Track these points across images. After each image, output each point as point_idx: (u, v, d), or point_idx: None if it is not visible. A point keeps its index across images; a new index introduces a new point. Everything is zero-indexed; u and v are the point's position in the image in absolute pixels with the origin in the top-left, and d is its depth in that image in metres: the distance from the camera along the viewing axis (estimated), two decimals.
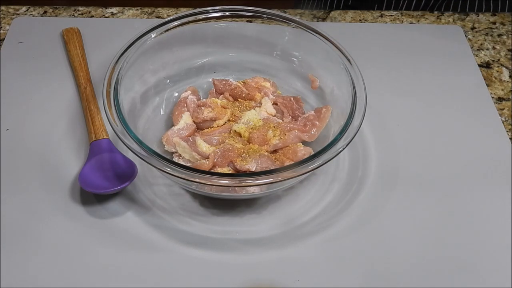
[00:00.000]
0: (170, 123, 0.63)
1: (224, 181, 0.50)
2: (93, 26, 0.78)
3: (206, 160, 0.56)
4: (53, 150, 0.62)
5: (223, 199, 0.58)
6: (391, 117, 0.68)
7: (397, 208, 0.59)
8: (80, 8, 0.82)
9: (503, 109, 0.70)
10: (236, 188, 0.54)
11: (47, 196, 0.58)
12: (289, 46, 0.67)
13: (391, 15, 0.84)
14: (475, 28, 0.82)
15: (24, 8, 0.82)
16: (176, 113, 0.62)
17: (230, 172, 0.56)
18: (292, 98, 0.64)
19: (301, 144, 0.60)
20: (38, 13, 0.81)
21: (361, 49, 0.74)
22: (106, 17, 0.81)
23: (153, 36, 0.62)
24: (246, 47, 0.68)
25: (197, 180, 0.50)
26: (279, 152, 0.59)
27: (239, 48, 0.68)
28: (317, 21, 0.82)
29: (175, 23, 0.64)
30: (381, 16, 0.83)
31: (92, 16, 0.81)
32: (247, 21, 0.66)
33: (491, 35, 0.81)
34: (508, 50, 0.79)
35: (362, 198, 0.59)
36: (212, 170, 0.56)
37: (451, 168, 0.63)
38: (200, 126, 0.62)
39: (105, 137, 0.61)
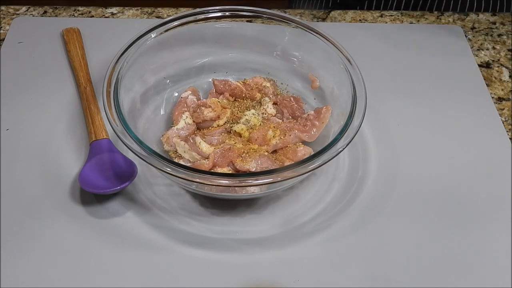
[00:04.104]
0: (170, 123, 0.63)
1: (224, 181, 0.50)
2: (93, 26, 0.78)
3: (206, 160, 0.56)
4: (53, 150, 0.62)
5: (223, 199, 0.58)
6: (391, 117, 0.68)
7: (396, 208, 0.59)
8: (80, 8, 0.82)
9: (503, 109, 0.70)
10: (236, 188, 0.54)
11: (47, 196, 0.58)
12: (289, 46, 0.67)
13: (391, 15, 0.84)
14: (475, 28, 0.82)
15: (24, 8, 0.82)
16: (176, 113, 0.62)
17: (230, 172, 0.56)
18: (292, 98, 0.64)
19: (301, 144, 0.60)
20: (38, 13, 0.81)
21: (361, 49, 0.74)
22: (106, 17, 0.81)
23: (153, 36, 0.62)
24: (246, 47, 0.68)
25: (197, 180, 0.50)
26: (279, 152, 0.59)
27: (239, 48, 0.68)
28: (317, 21, 0.82)
29: (175, 23, 0.64)
30: (381, 16, 0.83)
31: (92, 16, 0.81)
32: (247, 21, 0.66)
33: (491, 35, 0.81)
34: (508, 50, 0.79)
35: (362, 198, 0.59)
36: (212, 170, 0.56)
37: (451, 168, 0.63)
38: (200, 126, 0.62)
39: (105, 137, 0.61)
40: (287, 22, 0.64)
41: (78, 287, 0.52)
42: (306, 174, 0.52)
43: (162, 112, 0.65)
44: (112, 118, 0.54)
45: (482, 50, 0.78)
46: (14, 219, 0.56)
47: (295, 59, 0.67)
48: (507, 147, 0.65)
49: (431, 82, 0.73)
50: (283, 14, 0.65)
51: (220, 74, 0.69)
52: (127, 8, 0.83)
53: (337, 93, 0.62)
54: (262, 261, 0.54)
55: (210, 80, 0.67)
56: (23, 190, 0.59)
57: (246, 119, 0.61)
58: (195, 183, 0.52)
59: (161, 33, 0.63)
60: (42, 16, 0.81)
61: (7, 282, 0.52)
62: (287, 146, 0.59)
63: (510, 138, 0.66)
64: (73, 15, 0.81)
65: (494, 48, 0.79)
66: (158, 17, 0.82)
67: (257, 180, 0.50)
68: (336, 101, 0.61)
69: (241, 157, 0.57)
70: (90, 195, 0.58)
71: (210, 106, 0.62)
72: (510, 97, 0.72)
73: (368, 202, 0.59)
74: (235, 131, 0.60)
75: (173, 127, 0.61)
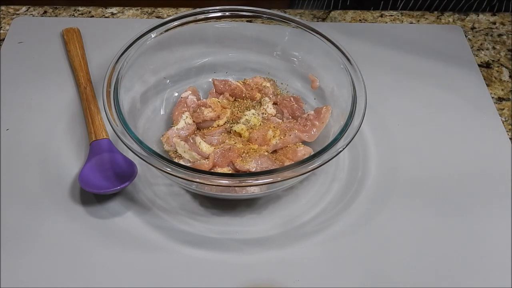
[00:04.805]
0: (170, 123, 0.63)
1: (224, 181, 0.50)
2: (93, 26, 0.78)
3: (206, 160, 0.56)
4: (53, 150, 0.62)
5: (223, 199, 0.58)
6: (391, 117, 0.68)
7: (396, 208, 0.59)
8: (80, 8, 0.82)
9: (503, 109, 0.70)
10: (236, 188, 0.54)
11: (47, 196, 0.58)
12: (289, 46, 0.67)
13: (391, 15, 0.84)
14: (475, 28, 0.82)
15: (24, 8, 0.82)
16: (176, 113, 0.62)
17: (230, 172, 0.56)
18: (292, 98, 0.64)
19: (301, 144, 0.60)
20: (38, 13, 0.81)
21: (361, 49, 0.74)
22: (106, 17, 0.81)
23: (153, 36, 0.62)
24: (246, 47, 0.68)
25: (197, 180, 0.50)
26: (279, 152, 0.59)
27: (239, 48, 0.68)
28: (317, 21, 0.82)
29: (175, 23, 0.64)
30: (381, 16, 0.83)
31: (92, 16, 0.81)
32: (247, 21, 0.66)
33: (491, 35, 0.81)
34: (508, 50, 0.79)
35: (362, 198, 0.59)
36: (212, 170, 0.56)
37: (451, 168, 0.63)
38: (200, 126, 0.62)
39: (105, 137, 0.61)
40: (287, 22, 0.64)
41: (78, 287, 0.52)
42: (306, 174, 0.52)
43: (162, 112, 0.65)
44: (112, 118, 0.54)
45: (482, 50, 0.78)
46: (14, 219, 0.56)
47: (295, 59, 0.67)
48: (507, 147, 0.65)
49: (431, 82, 0.73)
50: (283, 14, 0.65)
51: (220, 74, 0.69)
52: (127, 8, 0.83)
53: (337, 93, 0.62)
54: (262, 261, 0.54)
55: (210, 80, 0.67)
56: (23, 190, 0.59)
57: (246, 119, 0.61)
58: (195, 183, 0.52)
59: (161, 33, 0.63)
60: (42, 16, 0.81)
61: (7, 282, 0.52)
62: (287, 146, 0.59)
63: (510, 138, 0.66)
64: (73, 15, 0.81)
65: (494, 48, 0.79)
66: (158, 17, 0.82)
67: (257, 180, 0.50)
68: (336, 101, 0.61)
69: (241, 157, 0.57)
70: (90, 195, 0.58)
71: (210, 106, 0.62)
72: (510, 97, 0.72)
73: (368, 202, 0.59)
74: (235, 131, 0.60)
75: (173, 127, 0.61)
